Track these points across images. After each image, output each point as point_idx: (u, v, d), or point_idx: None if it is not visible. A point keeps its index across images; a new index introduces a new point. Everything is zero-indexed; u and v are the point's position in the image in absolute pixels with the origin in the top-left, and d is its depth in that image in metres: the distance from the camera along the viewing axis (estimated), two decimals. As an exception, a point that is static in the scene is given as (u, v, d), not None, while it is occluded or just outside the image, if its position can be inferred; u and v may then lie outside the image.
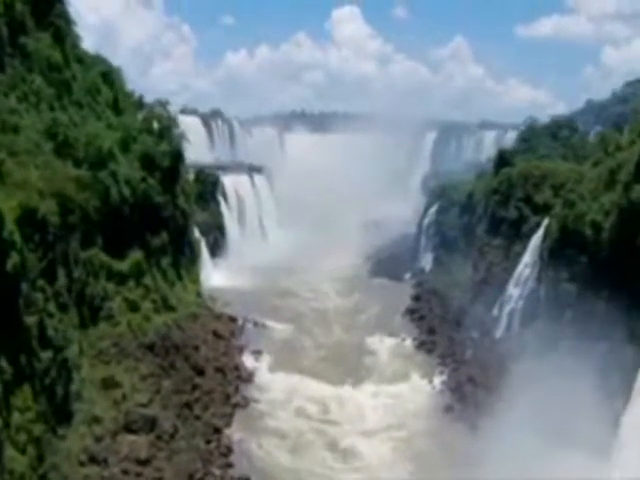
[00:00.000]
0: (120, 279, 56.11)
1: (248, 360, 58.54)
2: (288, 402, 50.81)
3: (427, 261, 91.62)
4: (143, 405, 44.22)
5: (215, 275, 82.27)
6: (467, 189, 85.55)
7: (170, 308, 61.34)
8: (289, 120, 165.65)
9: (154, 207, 61.61)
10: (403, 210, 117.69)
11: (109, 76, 65.63)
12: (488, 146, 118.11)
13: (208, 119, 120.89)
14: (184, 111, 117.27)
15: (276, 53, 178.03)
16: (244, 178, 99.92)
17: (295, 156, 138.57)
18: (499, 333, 60.60)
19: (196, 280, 70.68)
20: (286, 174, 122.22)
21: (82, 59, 62.24)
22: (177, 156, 65.52)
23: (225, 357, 57.51)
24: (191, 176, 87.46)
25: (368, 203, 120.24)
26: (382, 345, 63.86)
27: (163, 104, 67.52)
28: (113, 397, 44.50)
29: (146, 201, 60.10)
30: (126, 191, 57.24)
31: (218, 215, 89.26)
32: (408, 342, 65.17)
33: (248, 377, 55.13)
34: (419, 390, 54.88)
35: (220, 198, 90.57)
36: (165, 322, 58.30)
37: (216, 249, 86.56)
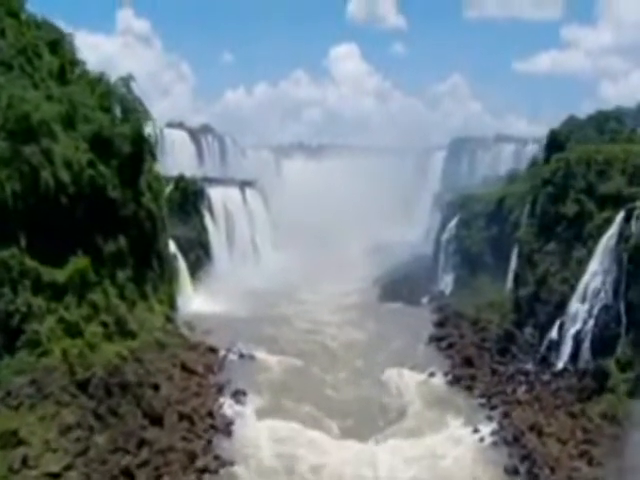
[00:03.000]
0: (54, 292, 40.48)
1: (227, 403, 41.74)
2: (281, 466, 33.87)
3: (447, 282, 75.46)
4: (53, 475, 27.50)
5: (196, 299, 65.96)
6: (495, 197, 70.05)
7: (127, 334, 45.15)
8: (287, 149, 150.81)
9: (108, 202, 45.72)
10: (411, 233, 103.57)
11: (59, 44, 50.40)
12: (506, 161, 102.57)
13: (197, 134, 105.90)
14: (170, 124, 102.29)
15: (275, 90, 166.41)
16: (234, 192, 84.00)
17: (293, 178, 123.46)
18: (562, 363, 44.11)
19: (166, 301, 54.26)
20: (283, 195, 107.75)
21: (18, 15, 47.10)
22: (140, 141, 49.70)
23: (196, 399, 40.76)
24: (169, 187, 72.11)
25: (372, 226, 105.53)
26: (406, 382, 47.26)
27: (126, 80, 51.99)
28: (9, 462, 27.89)
29: (95, 193, 44.28)
30: (65, 176, 41.66)
31: (202, 230, 73.08)
32: (438, 378, 48.58)
33: (225, 427, 38.29)
34: (463, 444, 38.12)
35: (204, 211, 74.57)
36: (119, 352, 42.09)
37: (198, 269, 70.17)
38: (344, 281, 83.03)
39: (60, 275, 40.86)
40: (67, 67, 48.64)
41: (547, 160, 52.44)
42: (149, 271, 52.18)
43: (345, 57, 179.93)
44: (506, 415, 41.22)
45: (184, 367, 44.95)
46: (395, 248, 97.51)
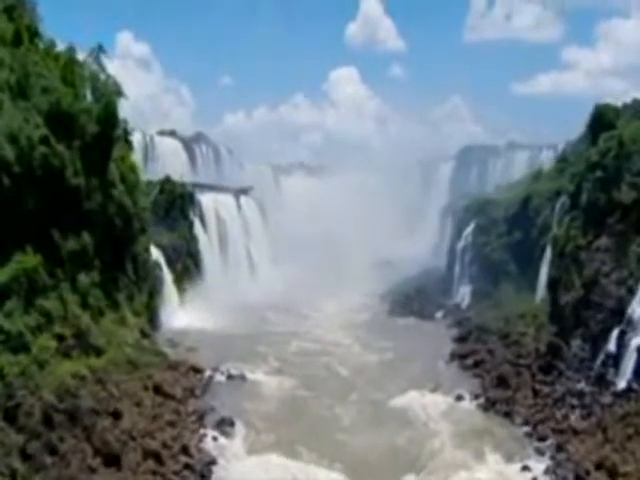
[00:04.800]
0: (-10, 296, 31.32)
1: (209, 436, 32.49)
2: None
3: (463, 294, 66.72)
4: None
5: (182, 313, 56.92)
6: (518, 198, 61.62)
7: (90, 349, 36.14)
8: (287, 167, 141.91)
9: (68, 190, 37.11)
10: (417, 247, 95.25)
11: (16, 10, 42.07)
12: (519, 168, 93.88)
13: (190, 142, 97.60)
14: (162, 133, 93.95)
15: (274, 114, 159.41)
16: (227, 198, 75.29)
17: (292, 192, 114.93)
18: (624, 382, 34.82)
19: (143, 312, 45.39)
20: (282, 208, 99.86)
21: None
22: (111, 121, 41.17)
23: (168, 430, 31.49)
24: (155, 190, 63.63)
25: (376, 241, 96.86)
26: (430, 408, 37.94)
27: (96, 53, 43.74)
28: None
29: (50, 177, 35.62)
30: (8, 152, 32.91)
31: (191, 238, 64.24)
32: (468, 401, 39.39)
33: (204, 468, 28.96)
34: (512, 486, 28.83)
35: (194, 218, 65.81)
36: (76, 372, 33.10)
37: (185, 280, 61.17)
38: (349, 297, 74.21)
39: (0, 275, 32.10)
40: (24, 34, 40.18)
41: (594, 141, 43.56)
42: (122, 277, 43.34)
43: (344, 81, 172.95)
44: (560, 448, 32.10)
45: (158, 390, 35.75)
46: (401, 262, 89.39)
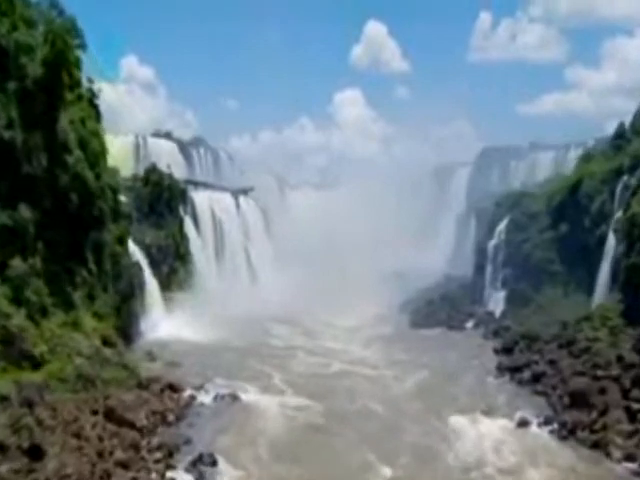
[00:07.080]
0: None
1: (178, 481, 21.74)
2: None
3: (497, 300, 56.20)
4: None
5: (168, 322, 46.61)
6: (564, 184, 51.46)
7: (24, 359, 25.85)
8: (293, 184, 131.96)
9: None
10: (433, 256, 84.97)
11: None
12: (545, 169, 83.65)
13: (187, 146, 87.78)
14: (157, 134, 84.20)
15: (279, 137, 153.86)
16: (225, 197, 65.13)
17: (297, 202, 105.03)
18: None
19: (110, 316, 34.82)
20: (287, 217, 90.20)
21: None
22: (61, 63, 30.99)
23: (117, 475, 20.70)
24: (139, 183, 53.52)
25: (389, 251, 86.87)
26: (488, 440, 27.06)
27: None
28: None
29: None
30: None
31: (180, 238, 53.82)
32: (535, 427, 28.62)
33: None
34: None
35: (185, 215, 55.45)
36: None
37: (173, 284, 50.63)
38: (362, 308, 63.41)
39: None
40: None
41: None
42: (79, 269, 32.90)
43: (349, 103, 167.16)
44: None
45: (110, 415, 24.98)
46: (417, 272, 78.48)
